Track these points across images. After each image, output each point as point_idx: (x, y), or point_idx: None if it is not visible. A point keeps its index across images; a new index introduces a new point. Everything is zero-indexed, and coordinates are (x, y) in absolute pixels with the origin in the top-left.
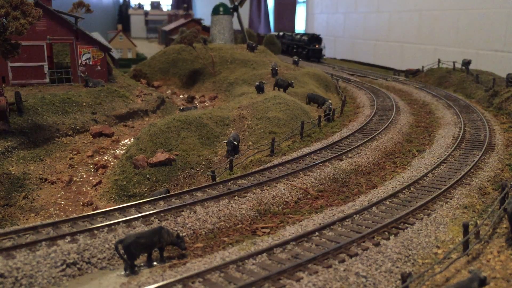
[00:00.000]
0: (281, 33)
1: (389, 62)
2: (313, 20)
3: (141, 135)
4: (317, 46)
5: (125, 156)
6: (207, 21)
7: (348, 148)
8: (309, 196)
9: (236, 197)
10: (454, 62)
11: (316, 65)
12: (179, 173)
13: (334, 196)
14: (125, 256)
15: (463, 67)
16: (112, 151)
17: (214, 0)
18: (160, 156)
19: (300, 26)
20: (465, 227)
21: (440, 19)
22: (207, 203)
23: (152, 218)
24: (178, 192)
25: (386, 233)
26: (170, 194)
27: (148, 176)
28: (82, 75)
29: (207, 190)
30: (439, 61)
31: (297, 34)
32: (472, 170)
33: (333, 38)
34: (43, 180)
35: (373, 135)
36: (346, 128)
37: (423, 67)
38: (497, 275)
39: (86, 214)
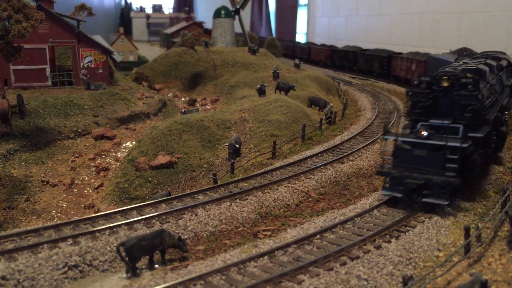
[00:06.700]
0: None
1: None
2: (315, 23)
3: (143, 137)
4: None
5: (126, 158)
6: (208, 24)
7: (350, 151)
8: (310, 199)
9: (237, 200)
10: None
11: (317, 68)
12: (180, 175)
13: (336, 199)
14: (127, 258)
15: None
16: (113, 154)
17: (215, 3)
18: (162, 158)
19: (301, 29)
20: (467, 230)
21: (442, 22)
22: (208, 205)
23: (154, 221)
24: (179, 194)
25: (388, 236)
26: (171, 196)
27: (149, 178)
28: (84, 78)
29: (208, 192)
30: None
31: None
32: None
33: (334, 41)
34: (45, 183)
35: (375, 138)
36: (348, 131)
37: None
38: (499, 278)
39: (88, 216)
